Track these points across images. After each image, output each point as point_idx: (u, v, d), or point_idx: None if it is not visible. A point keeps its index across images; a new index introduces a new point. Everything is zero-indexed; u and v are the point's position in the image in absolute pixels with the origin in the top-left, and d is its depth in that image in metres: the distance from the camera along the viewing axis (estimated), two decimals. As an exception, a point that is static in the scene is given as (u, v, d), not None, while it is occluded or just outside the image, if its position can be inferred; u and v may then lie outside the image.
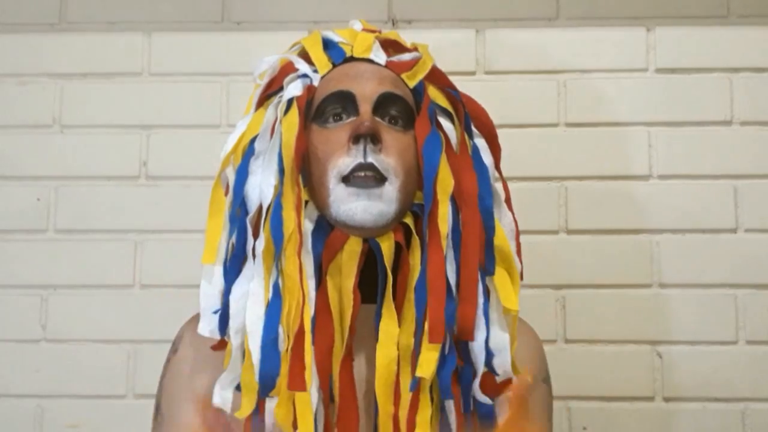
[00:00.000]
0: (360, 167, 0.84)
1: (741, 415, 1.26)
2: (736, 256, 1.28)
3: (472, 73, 1.34)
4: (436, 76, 0.96)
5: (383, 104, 0.89)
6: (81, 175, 1.34)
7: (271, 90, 0.95)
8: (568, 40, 1.34)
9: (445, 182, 0.88)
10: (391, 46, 0.97)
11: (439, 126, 0.92)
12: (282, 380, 0.84)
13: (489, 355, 0.88)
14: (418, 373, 0.84)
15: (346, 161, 0.85)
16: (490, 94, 1.32)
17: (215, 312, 0.89)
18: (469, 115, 0.96)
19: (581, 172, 1.31)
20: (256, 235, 0.88)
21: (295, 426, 0.84)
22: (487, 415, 0.90)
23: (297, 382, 0.83)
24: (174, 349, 0.95)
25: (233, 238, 0.90)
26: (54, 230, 1.33)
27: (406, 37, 1.34)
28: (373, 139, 0.85)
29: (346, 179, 0.85)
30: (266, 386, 0.84)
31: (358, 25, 1.02)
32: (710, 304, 1.28)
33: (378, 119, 0.88)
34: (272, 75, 0.95)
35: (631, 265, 1.29)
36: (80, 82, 1.36)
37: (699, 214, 1.30)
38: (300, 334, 0.84)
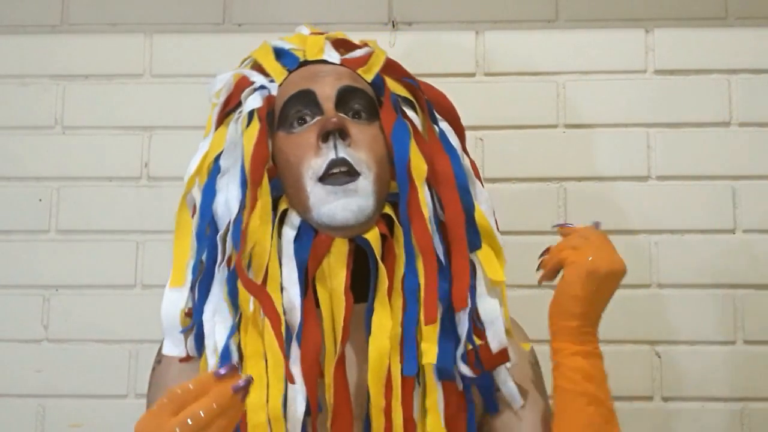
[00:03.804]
0: (333, 164, 0.84)
1: (739, 414, 1.26)
2: (734, 257, 1.29)
3: (472, 75, 1.34)
4: (391, 68, 0.96)
5: (345, 99, 0.88)
6: (83, 175, 1.34)
7: (230, 107, 0.94)
8: (567, 41, 1.35)
9: (419, 168, 0.88)
10: (342, 46, 0.97)
11: (404, 114, 0.92)
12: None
13: (481, 326, 0.88)
14: (425, 361, 0.84)
15: (318, 161, 0.84)
16: (490, 95, 1.32)
17: (182, 331, 0.90)
18: (430, 101, 0.96)
19: (580, 173, 1.32)
20: (224, 253, 0.88)
21: None
22: (487, 388, 0.90)
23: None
24: (158, 360, 0.94)
25: (203, 257, 0.89)
26: (56, 231, 1.33)
27: (407, 38, 1.36)
28: (342, 134, 0.84)
29: (323, 179, 0.84)
30: None
31: (305, 30, 1.01)
32: (709, 304, 1.28)
33: (342, 115, 0.88)
34: (228, 92, 0.94)
35: (629, 265, 1.28)
36: (82, 84, 1.37)
37: (697, 215, 1.30)
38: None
